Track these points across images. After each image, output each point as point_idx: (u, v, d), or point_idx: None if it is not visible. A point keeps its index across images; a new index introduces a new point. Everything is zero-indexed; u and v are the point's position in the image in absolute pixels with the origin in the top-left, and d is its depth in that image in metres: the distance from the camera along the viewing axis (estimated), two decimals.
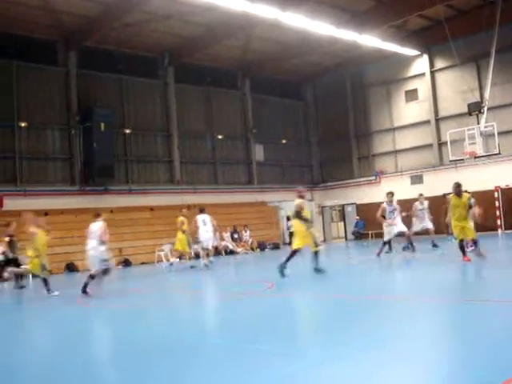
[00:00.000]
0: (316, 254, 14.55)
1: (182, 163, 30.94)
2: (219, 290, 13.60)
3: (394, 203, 18.46)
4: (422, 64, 33.25)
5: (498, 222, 28.57)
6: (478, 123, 28.31)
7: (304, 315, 8.79)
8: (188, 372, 5.80)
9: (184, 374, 5.75)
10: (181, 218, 20.63)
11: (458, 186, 14.40)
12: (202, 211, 20.11)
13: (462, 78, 30.33)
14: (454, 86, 31.43)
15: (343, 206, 37.02)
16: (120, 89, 29.03)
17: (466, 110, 29.20)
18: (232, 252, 28.54)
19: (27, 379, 6.14)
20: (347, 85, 36.65)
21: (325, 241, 36.80)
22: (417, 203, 20.66)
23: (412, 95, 33.88)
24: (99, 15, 24.84)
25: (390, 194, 18.73)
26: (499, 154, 27.66)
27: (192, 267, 20.56)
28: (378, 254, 17.70)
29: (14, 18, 24.17)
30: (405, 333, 6.91)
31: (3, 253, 17.77)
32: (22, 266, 15.43)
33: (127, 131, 28.83)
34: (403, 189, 31.94)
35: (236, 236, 29.37)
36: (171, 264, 21.10)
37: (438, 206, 20.53)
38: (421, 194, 21.27)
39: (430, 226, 20.34)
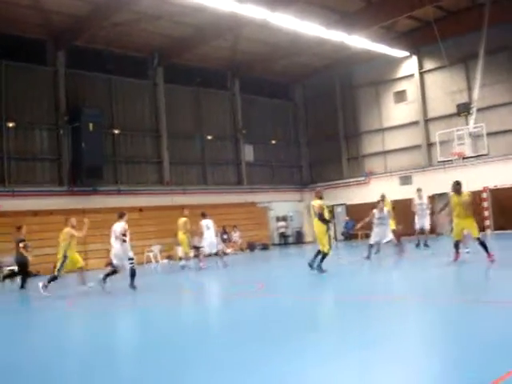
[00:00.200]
0: (321, 253, 14.83)
1: (172, 164, 30.82)
2: (212, 291, 13.56)
3: (385, 211, 18.24)
4: (411, 65, 33.35)
5: (487, 222, 28.69)
6: (467, 124, 28.49)
7: (294, 316, 8.75)
8: (179, 372, 5.75)
9: (174, 375, 5.70)
10: (184, 219, 20.65)
11: (457, 184, 14.32)
12: (204, 216, 20.34)
13: (450, 79, 30.45)
14: (443, 86, 31.55)
15: (333, 206, 36.98)
16: (109, 89, 28.88)
17: (454, 110, 29.38)
18: (222, 253, 28.41)
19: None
20: (336, 85, 36.69)
21: (314, 241, 36.81)
22: (415, 197, 20.50)
23: (401, 96, 33.97)
24: (88, 15, 24.70)
25: (381, 201, 18.47)
26: (488, 154, 27.83)
27: (183, 267, 20.52)
28: (368, 257, 17.31)
29: (3, 17, 23.96)
30: (395, 333, 6.90)
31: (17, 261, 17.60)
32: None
33: (116, 131, 28.68)
34: (392, 189, 32.00)
35: (225, 237, 29.31)
36: (183, 266, 20.88)
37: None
38: (419, 189, 20.92)
39: (426, 226, 20.21)
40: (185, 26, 27.58)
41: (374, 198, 20.49)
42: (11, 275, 18.97)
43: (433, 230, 21.00)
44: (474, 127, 28.00)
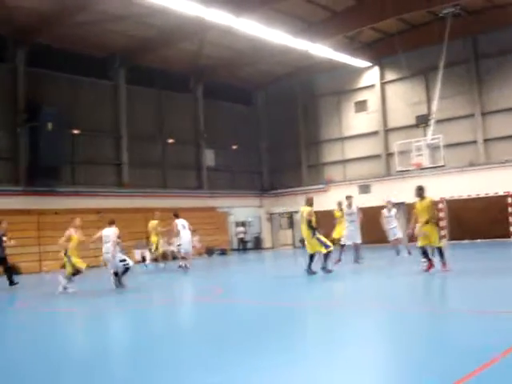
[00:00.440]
0: (312, 257, 15.17)
1: (131, 166, 30.48)
2: (166, 296, 13.43)
3: (354, 207, 18.26)
4: (372, 75, 33.81)
5: (443, 232, 29.19)
6: (426, 135, 28.97)
7: (251, 321, 8.74)
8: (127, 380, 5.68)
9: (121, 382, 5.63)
10: (155, 222, 20.56)
11: (419, 189, 14.07)
12: (177, 216, 20.30)
13: (411, 91, 30.98)
14: (404, 98, 32.08)
15: (292, 213, 37.20)
16: (70, 89, 28.40)
17: (414, 121, 29.91)
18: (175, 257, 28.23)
19: None
20: (298, 93, 36.93)
21: (273, 247, 36.96)
22: (384, 211, 20.41)
23: (362, 106, 34.39)
24: (51, 13, 24.25)
25: (350, 198, 18.63)
26: (445, 166, 28.37)
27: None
28: (338, 261, 17.25)
29: None
30: (355, 339, 6.94)
31: None
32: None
33: (75, 132, 28.23)
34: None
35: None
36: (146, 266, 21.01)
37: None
38: (388, 201, 20.73)
39: (399, 235, 20.17)
40: (149, 28, 27.38)
41: (333, 206, 20.65)
42: None
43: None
44: (432, 139, 28.50)
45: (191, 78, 34.09)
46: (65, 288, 14.06)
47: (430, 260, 13.70)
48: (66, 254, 14.58)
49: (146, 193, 30.39)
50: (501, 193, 28.47)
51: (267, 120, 38.46)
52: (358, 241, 18.23)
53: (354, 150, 34.57)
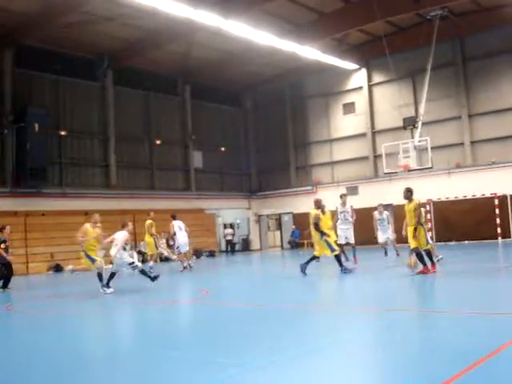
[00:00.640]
0: (314, 258, 15.30)
1: (119, 167, 30.37)
2: (153, 297, 13.37)
3: (347, 206, 18.11)
4: (360, 78, 33.93)
5: (430, 234, 29.28)
6: (413, 137, 29.10)
7: (237, 323, 8.72)
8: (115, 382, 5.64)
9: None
10: (149, 222, 20.66)
11: (407, 191, 13.96)
12: (174, 218, 20.63)
13: (398, 93, 31.10)
14: (391, 100, 32.21)
15: (280, 214, 37.24)
16: (57, 90, 28.26)
17: (401, 124, 29.99)
18: (167, 259, 28.17)
19: None
20: (287, 95, 36.98)
21: (261, 249, 36.94)
22: (375, 213, 20.17)
23: (350, 108, 34.50)
24: (38, 14, 24.10)
25: (344, 196, 18.61)
26: (432, 168, 28.52)
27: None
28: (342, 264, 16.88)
29: None
30: (339, 341, 6.94)
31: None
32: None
33: (62, 133, 28.09)
34: (339, 199, 32.40)
35: (172, 243, 29.00)
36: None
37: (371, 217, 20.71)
38: (380, 204, 20.53)
39: (391, 237, 19.96)
40: (137, 29, 27.30)
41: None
42: None
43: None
44: (419, 141, 28.65)
45: (179, 80, 34.02)
46: (104, 288, 13.86)
47: (425, 264, 13.50)
48: (83, 251, 14.42)
49: (134, 194, 30.29)
50: (488, 194, 28.67)
51: (255, 121, 38.47)
52: (352, 241, 18.11)
53: (341, 151, 34.66)
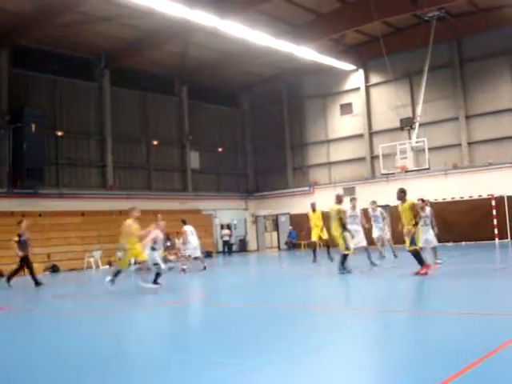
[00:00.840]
0: (345, 256, 15.06)
1: (115, 168, 30.34)
2: (150, 298, 13.34)
3: (357, 210, 17.79)
4: (357, 78, 33.94)
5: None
6: (410, 138, 29.11)
7: (236, 324, 8.71)
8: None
9: None
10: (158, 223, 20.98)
11: (400, 192, 13.99)
12: (185, 223, 21.04)
13: (395, 94, 31.10)
14: (388, 101, 32.21)
15: (277, 215, 37.22)
16: (53, 90, 28.22)
17: (398, 124, 29.97)
18: (164, 260, 28.11)
19: None
20: (284, 95, 36.98)
21: (258, 250, 36.92)
22: (369, 210, 19.74)
23: (347, 109, 34.50)
24: (35, 14, 24.05)
25: (354, 200, 18.17)
26: (429, 168, 28.52)
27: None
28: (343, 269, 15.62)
29: None
30: (337, 341, 6.93)
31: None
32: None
33: (59, 133, 28.03)
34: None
35: (168, 244, 28.95)
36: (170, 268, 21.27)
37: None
38: (373, 201, 20.02)
39: (385, 236, 19.56)
40: (134, 30, 27.27)
41: (318, 208, 20.73)
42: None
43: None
44: (416, 142, 28.66)
45: (176, 80, 34.00)
46: (146, 284, 13.70)
47: (424, 264, 13.47)
48: (125, 248, 14.08)
49: (131, 195, 30.23)
50: (485, 195, 28.69)
51: (252, 121, 38.46)
52: (364, 243, 17.74)
53: (339, 152, 34.67)
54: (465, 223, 28.32)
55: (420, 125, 29.08)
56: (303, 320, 8.75)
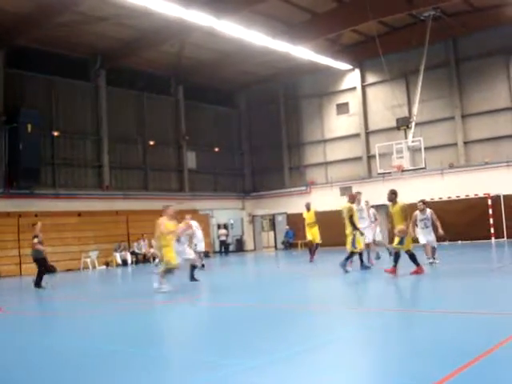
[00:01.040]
0: (351, 254, 15.24)
1: (112, 168, 30.28)
2: (147, 298, 13.33)
3: (362, 204, 17.50)
4: (353, 78, 33.96)
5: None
6: (406, 138, 29.15)
7: (235, 323, 8.71)
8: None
9: None
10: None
11: (391, 193, 13.97)
12: (191, 218, 20.94)
13: (392, 93, 31.14)
14: (384, 100, 32.25)
15: (274, 215, 37.23)
16: (49, 90, 28.15)
17: (395, 124, 30.03)
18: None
19: None
20: (281, 95, 36.99)
21: (255, 250, 36.93)
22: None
23: (343, 108, 34.52)
24: (31, 14, 23.98)
25: (358, 194, 17.81)
26: (425, 168, 28.57)
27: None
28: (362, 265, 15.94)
29: None
30: (335, 341, 6.93)
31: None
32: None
33: (55, 134, 27.97)
34: (333, 200, 32.49)
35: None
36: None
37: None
38: (366, 202, 19.08)
39: (377, 237, 18.98)
40: (130, 30, 27.22)
41: (316, 208, 20.76)
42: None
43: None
44: (413, 141, 28.71)
45: (172, 80, 33.98)
46: (159, 287, 13.29)
47: (418, 264, 13.52)
48: (161, 246, 13.50)
49: (127, 195, 30.22)
50: (481, 195, 28.75)
51: (249, 121, 38.47)
52: (369, 240, 17.52)
53: (335, 152, 34.69)
54: (461, 222, 28.32)
55: (416, 124, 29.13)
56: (302, 320, 8.76)
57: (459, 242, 28.05)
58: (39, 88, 27.75)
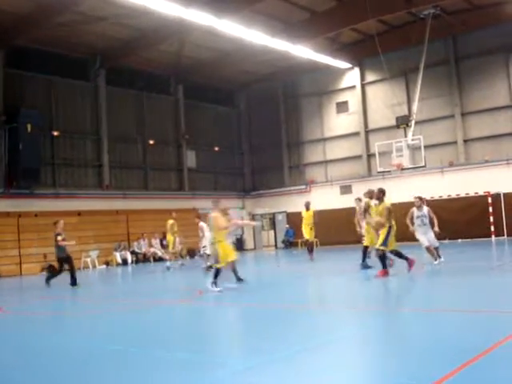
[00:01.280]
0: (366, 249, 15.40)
1: (112, 168, 30.26)
2: (147, 297, 13.34)
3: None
4: (353, 76, 33.94)
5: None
6: (406, 136, 29.13)
7: (235, 323, 8.72)
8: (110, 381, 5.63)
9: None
10: (171, 221, 21.87)
11: (379, 192, 13.88)
12: (200, 218, 21.30)
13: (391, 92, 31.12)
14: (384, 99, 32.23)
15: (274, 214, 37.23)
16: (49, 90, 28.12)
17: (394, 122, 30.02)
18: (161, 259, 28.17)
19: None
20: (280, 94, 36.98)
21: (255, 249, 36.92)
22: (356, 208, 18.41)
23: (343, 107, 34.50)
24: (30, 14, 23.97)
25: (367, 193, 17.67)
26: (425, 166, 28.56)
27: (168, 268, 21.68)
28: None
29: None
30: (334, 341, 6.94)
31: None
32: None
33: (55, 133, 27.95)
34: (333, 198, 32.53)
35: (165, 243, 28.96)
36: (169, 267, 21.93)
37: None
38: (359, 199, 18.51)
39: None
40: (130, 29, 27.21)
41: (315, 207, 20.73)
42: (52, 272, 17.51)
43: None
44: (412, 139, 28.70)
45: (172, 79, 33.96)
46: (214, 284, 12.68)
47: (385, 267, 13.43)
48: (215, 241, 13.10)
49: (127, 194, 30.22)
50: (481, 193, 28.74)
51: (249, 120, 38.46)
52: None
53: (335, 150, 34.68)
54: (461, 221, 28.34)
55: (416, 122, 29.10)
56: (302, 319, 8.77)
57: (459, 240, 28.04)
58: (39, 88, 27.74)
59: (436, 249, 15.78)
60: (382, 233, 13.52)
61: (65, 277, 15.94)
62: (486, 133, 29.29)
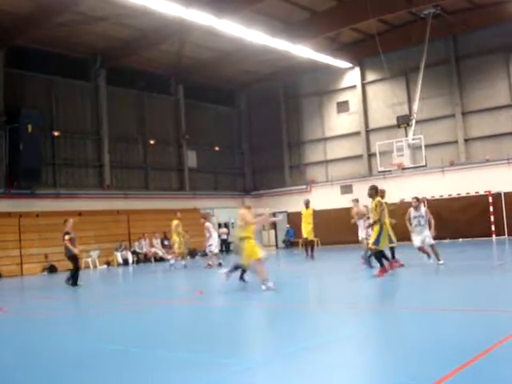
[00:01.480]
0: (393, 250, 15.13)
1: (113, 168, 30.29)
2: (148, 297, 13.35)
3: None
4: (353, 76, 33.94)
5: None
6: (406, 136, 29.12)
7: (235, 323, 8.72)
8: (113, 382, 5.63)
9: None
10: (176, 221, 22.04)
11: (371, 189, 13.82)
12: (206, 219, 21.98)
13: (392, 91, 31.11)
14: (384, 98, 32.24)
15: (274, 214, 37.17)
16: (50, 90, 28.14)
17: (395, 122, 30.01)
18: (162, 259, 28.19)
19: None
20: (281, 94, 36.99)
21: None
22: (354, 208, 18.92)
23: (343, 107, 34.50)
24: (30, 14, 23.98)
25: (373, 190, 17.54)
26: (426, 166, 28.55)
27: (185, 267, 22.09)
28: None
29: None
30: (334, 341, 6.94)
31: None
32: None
33: (56, 134, 27.97)
34: (333, 198, 32.53)
35: (166, 243, 29.01)
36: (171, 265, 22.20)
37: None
38: (356, 200, 19.25)
39: (365, 235, 18.06)
40: (130, 29, 27.23)
41: (316, 207, 20.73)
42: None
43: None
44: (413, 139, 28.68)
45: (173, 79, 33.97)
46: (267, 284, 12.13)
47: (383, 265, 13.37)
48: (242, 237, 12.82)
49: (128, 194, 30.23)
50: (481, 192, 28.73)
51: (249, 120, 38.48)
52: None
53: (336, 150, 34.68)
54: (462, 220, 28.36)
55: (416, 122, 29.08)
56: (303, 319, 8.76)
57: (460, 239, 28.06)
58: (39, 88, 27.75)
59: (431, 246, 15.44)
60: (374, 232, 13.54)
61: (63, 277, 15.92)
62: (487, 132, 29.30)
